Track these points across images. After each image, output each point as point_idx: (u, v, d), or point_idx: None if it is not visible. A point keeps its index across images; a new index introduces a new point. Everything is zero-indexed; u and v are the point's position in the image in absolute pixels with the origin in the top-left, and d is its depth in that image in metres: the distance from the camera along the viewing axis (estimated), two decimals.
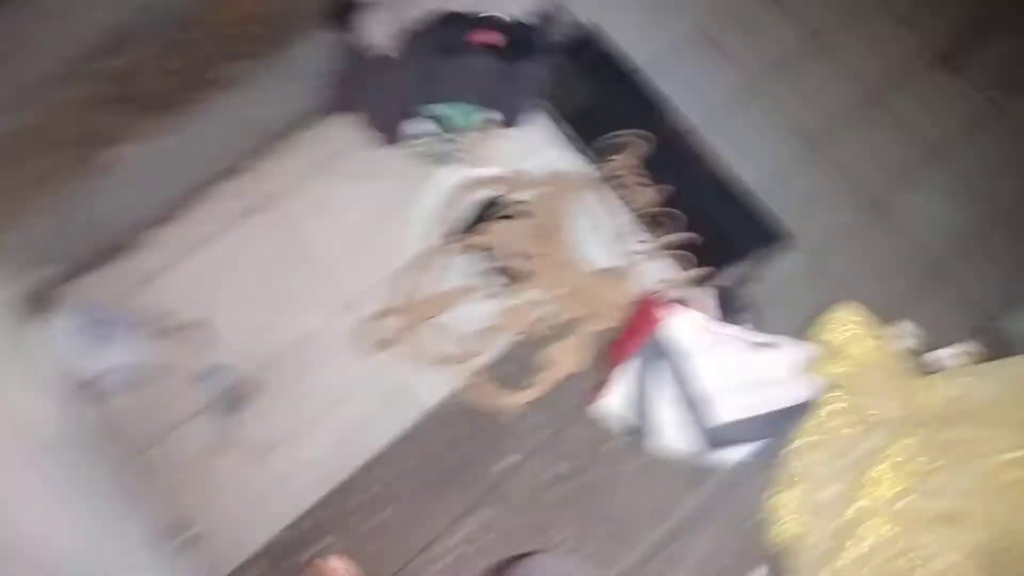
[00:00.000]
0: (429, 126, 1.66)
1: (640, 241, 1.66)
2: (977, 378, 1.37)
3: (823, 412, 1.40)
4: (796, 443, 1.41)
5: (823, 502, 1.34)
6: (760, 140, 1.79)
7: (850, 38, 1.92)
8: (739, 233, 1.62)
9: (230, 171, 1.73)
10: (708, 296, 1.53)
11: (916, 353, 1.46)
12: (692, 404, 1.46)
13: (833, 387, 1.42)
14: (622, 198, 1.68)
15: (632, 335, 1.50)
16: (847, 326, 1.43)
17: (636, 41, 1.78)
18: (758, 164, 1.73)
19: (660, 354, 1.46)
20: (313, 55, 1.73)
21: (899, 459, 1.33)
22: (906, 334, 1.46)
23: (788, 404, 1.45)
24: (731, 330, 1.49)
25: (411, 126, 1.66)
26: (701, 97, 1.78)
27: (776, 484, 1.42)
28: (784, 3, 1.92)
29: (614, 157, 1.69)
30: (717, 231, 1.61)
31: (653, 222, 1.66)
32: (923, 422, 1.35)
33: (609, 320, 1.60)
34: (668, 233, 1.65)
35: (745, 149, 1.74)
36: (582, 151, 1.72)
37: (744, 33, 1.88)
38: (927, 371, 1.43)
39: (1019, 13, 1.92)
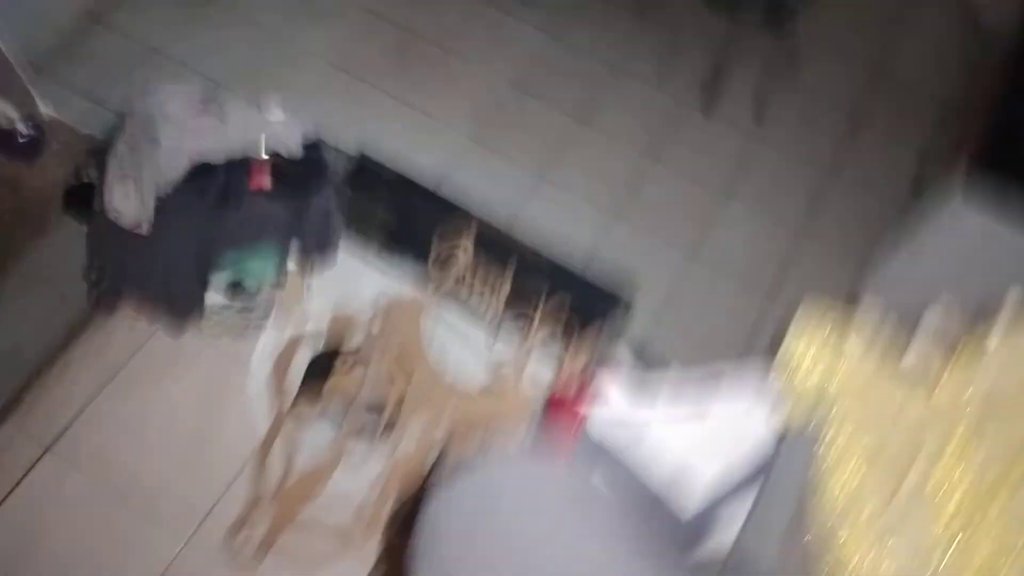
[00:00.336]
0: (227, 290, 1.43)
1: (508, 343, 1.51)
2: (993, 365, 1.14)
3: (829, 458, 1.11)
4: (821, 503, 1.12)
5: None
6: (564, 218, 1.84)
7: (612, 110, 2.06)
8: (590, 306, 1.59)
9: (3, 414, 1.40)
10: (609, 378, 1.39)
11: (895, 341, 1.21)
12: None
13: (819, 423, 1.15)
14: (470, 305, 1.54)
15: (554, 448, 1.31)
16: (813, 337, 1.16)
17: (420, 157, 1.81)
18: (574, 241, 1.77)
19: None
20: (64, 252, 1.46)
21: (957, 473, 1.08)
22: (873, 317, 1.20)
23: (761, 457, 1.24)
24: (652, 407, 1.34)
25: (206, 296, 1.43)
26: (499, 195, 1.82)
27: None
28: (539, 95, 2.04)
29: (444, 268, 1.55)
30: (569, 311, 1.56)
31: (512, 319, 1.53)
32: (959, 422, 1.12)
33: (513, 436, 1.43)
34: (530, 327, 1.51)
35: (555, 230, 1.77)
36: (408, 271, 1.56)
37: (513, 130, 1.97)
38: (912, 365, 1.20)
39: (748, 48, 2.10)
